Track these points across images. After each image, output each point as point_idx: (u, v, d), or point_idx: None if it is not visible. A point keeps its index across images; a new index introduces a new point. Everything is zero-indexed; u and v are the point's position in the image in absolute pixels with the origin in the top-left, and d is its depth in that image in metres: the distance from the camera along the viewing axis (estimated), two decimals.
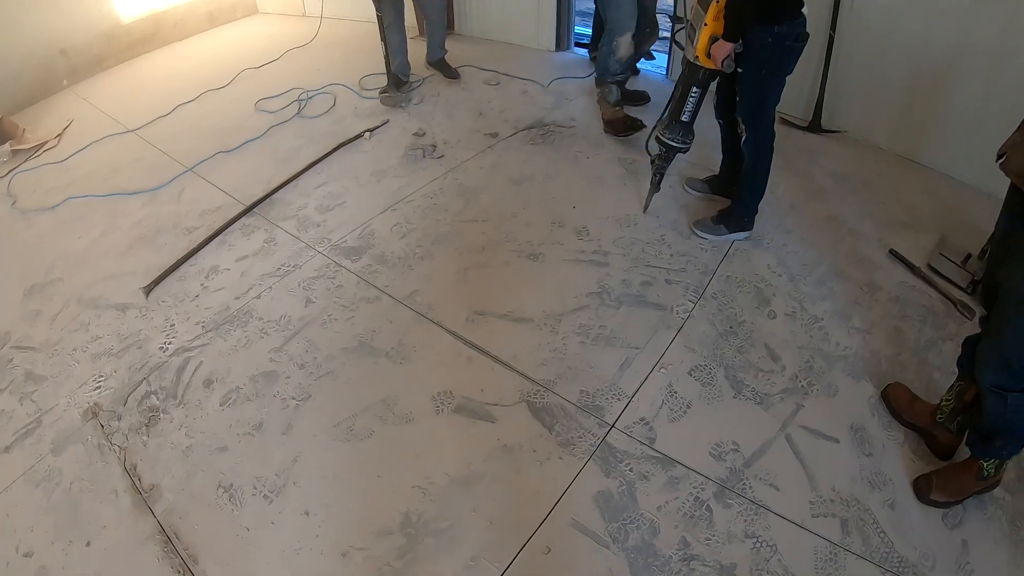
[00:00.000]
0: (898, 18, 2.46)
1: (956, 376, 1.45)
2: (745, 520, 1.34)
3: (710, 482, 1.41)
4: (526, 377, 1.63)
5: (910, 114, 2.59)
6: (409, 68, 3.17)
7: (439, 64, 3.38)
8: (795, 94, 2.89)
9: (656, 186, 2.22)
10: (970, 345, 1.40)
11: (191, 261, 2.17)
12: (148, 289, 2.05)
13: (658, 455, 1.46)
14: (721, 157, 2.30)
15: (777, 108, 1.98)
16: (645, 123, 2.68)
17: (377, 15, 2.97)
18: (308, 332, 1.83)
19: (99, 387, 1.73)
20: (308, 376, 1.69)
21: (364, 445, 1.50)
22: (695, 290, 1.91)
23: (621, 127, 2.75)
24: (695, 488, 1.40)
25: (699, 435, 1.51)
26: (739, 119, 1.99)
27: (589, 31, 3.69)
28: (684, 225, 2.19)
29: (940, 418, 1.46)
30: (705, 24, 1.79)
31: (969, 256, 2.02)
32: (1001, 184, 1.32)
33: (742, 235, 2.17)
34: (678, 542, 1.30)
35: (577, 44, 3.78)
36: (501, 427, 1.51)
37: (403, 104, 3.11)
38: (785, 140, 2.74)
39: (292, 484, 1.43)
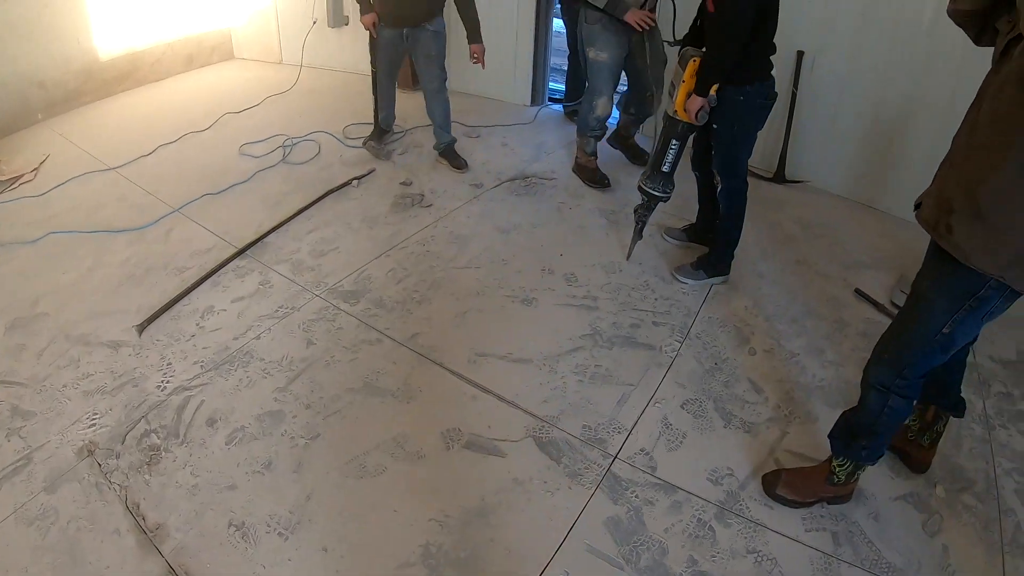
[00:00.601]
0: (855, 75, 2.89)
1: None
2: (745, 537, 1.51)
3: (710, 504, 1.59)
4: (530, 414, 1.80)
5: (867, 164, 3.00)
6: (394, 120, 3.38)
7: (447, 152, 3.26)
8: (760, 148, 3.24)
9: (639, 234, 2.47)
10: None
11: (184, 301, 2.26)
12: (141, 327, 2.11)
13: (660, 482, 1.63)
14: (698, 207, 2.60)
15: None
16: (611, 184, 3.05)
17: (372, 68, 3.19)
18: (312, 373, 1.95)
19: (94, 424, 1.77)
20: (316, 415, 1.80)
21: (378, 481, 1.61)
22: (680, 331, 2.14)
23: (588, 176, 3.11)
24: (697, 511, 1.57)
25: (696, 462, 1.69)
26: (715, 171, 2.28)
27: (563, 87, 4.09)
28: (666, 271, 2.45)
29: (911, 436, 1.70)
30: (683, 81, 2.07)
31: None
32: None
33: (719, 279, 2.43)
34: (686, 560, 1.46)
35: (551, 99, 4.16)
36: (511, 461, 1.65)
37: (384, 157, 3.31)
38: (753, 191, 3.05)
39: (308, 521, 1.52)
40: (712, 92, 2.04)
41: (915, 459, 1.71)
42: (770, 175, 3.20)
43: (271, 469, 1.65)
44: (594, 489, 1.60)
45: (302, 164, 3.26)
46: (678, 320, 2.18)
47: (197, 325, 2.14)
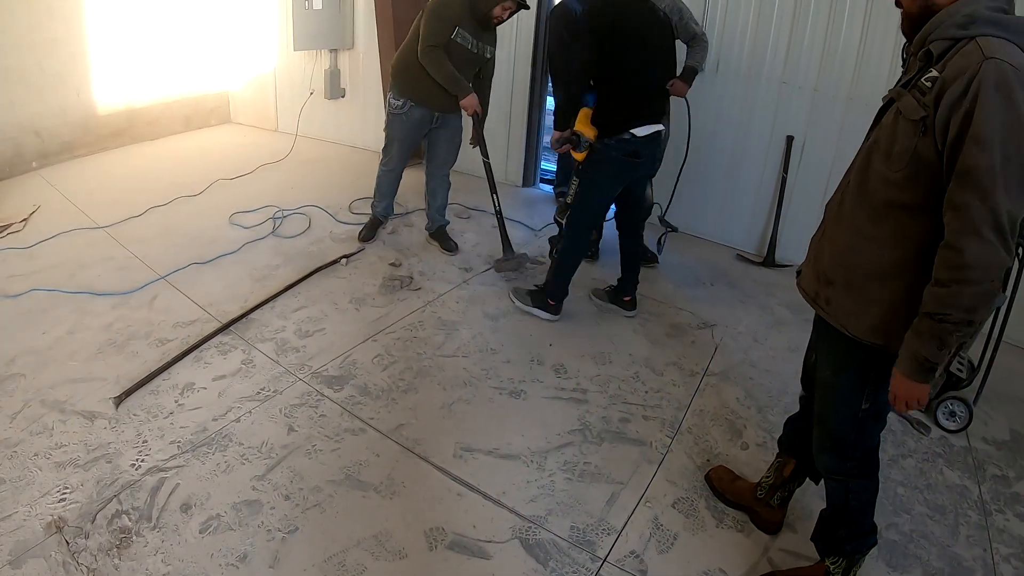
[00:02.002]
0: (842, 158, 3.17)
1: (776, 454, 1.86)
2: None
3: None
4: (516, 514, 1.89)
5: None
6: (393, 212, 3.59)
7: (439, 234, 3.47)
8: (750, 233, 3.58)
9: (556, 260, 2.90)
10: (791, 423, 1.83)
11: (164, 375, 2.37)
12: (119, 400, 2.21)
13: None
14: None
15: (735, 246, 2.53)
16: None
17: (382, 161, 3.35)
18: (292, 461, 2.04)
19: (64, 499, 1.83)
20: (295, 508, 1.88)
21: None
22: (671, 425, 2.28)
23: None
24: None
25: (688, 565, 1.78)
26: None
27: (554, 167, 4.42)
28: (657, 362, 2.61)
29: (760, 494, 1.85)
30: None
31: None
32: None
33: (544, 315, 2.84)
34: None
35: (542, 180, 4.49)
36: (496, 564, 1.74)
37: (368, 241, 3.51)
38: (743, 276, 3.36)
39: None
40: (590, 135, 2.52)
41: (764, 519, 1.86)
42: (760, 259, 3.46)
43: (246, 563, 1.71)
44: None
45: (292, 238, 3.48)
46: (669, 414, 2.33)
47: (176, 402, 2.25)
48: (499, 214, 3.31)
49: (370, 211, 3.56)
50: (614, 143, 2.50)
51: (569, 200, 2.81)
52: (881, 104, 1.37)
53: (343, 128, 4.93)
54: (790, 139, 3.31)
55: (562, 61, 2.55)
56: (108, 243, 3.29)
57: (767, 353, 2.72)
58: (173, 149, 4.67)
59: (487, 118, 3.33)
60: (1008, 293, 2.09)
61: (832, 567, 1.64)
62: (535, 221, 3.85)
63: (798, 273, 1.55)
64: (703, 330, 2.86)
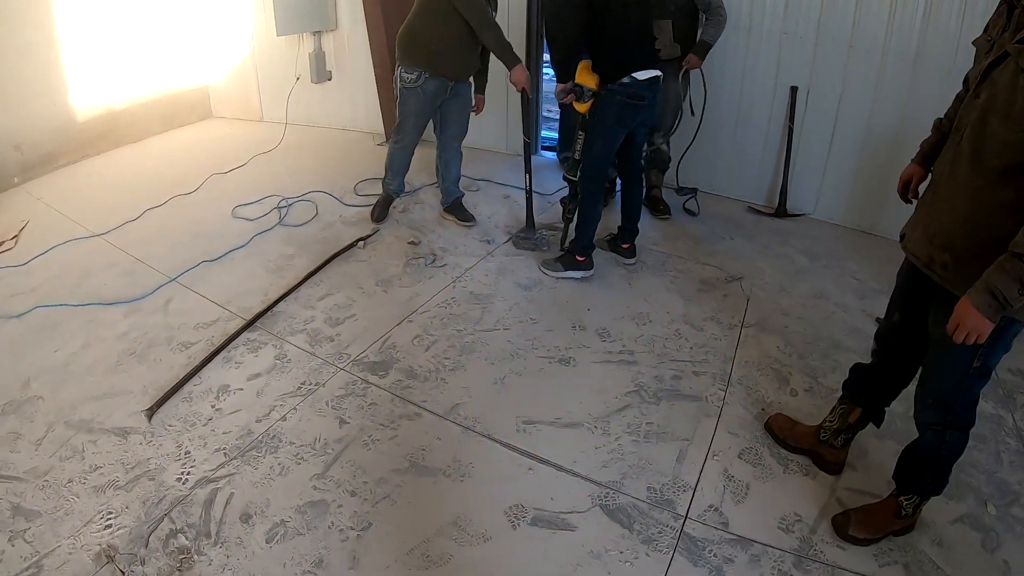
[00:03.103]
0: (846, 107, 3.11)
1: (840, 398, 1.82)
2: None
3: (787, 554, 1.62)
4: (592, 481, 1.81)
5: (863, 192, 3.20)
6: (404, 188, 3.40)
7: (455, 207, 3.29)
8: (759, 185, 3.48)
9: (569, 218, 2.85)
10: (858, 371, 1.78)
11: (195, 380, 2.20)
12: (151, 411, 2.04)
13: (735, 537, 1.66)
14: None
15: (746, 199, 2.44)
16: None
17: (395, 138, 3.15)
18: (351, 455, 1.92)
19: (110, 525, 1.68)
20: (363, 503, 1.76)
21: (444, 571, 1.59)
22: (721, 378, 2.21)
23: None
24: (775, 562, 1.60)
25: (765, 512, 1.73)
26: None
27: (556, 134, 4.26)
28: (695, 318, 2.53)
29: (824, 437, 1.82)
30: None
31: None
32: None
33: (578, 274, 2.76)
34: None
35: (544, 148, 4.32)
36: (582, 534, 1.66)
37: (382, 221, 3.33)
38: (758, 228, 3.28)
39: None
40: (591, 84, 2.47)
41: (828, 461, 1.83)
42: (771, 210, 3.37)
43: (324, 568, 1.59)
44: (672, 553, 1.61)
45: (301, 226, 3.28)
46: (716, 367, 2.25)
47: (213, 407, 2.09)
48: (529, 192, 3.14)
49: (378, 192, 3.37)
50: (617, 87, 2.47)
51: (577, 155, 2.71)
52: (987, 60, 1.24)
53: (332, 111, 4.68)
54: (794, 89, 3.19)
55: (557, 18, 2.49)
56: (108, 250, 3.05)
57: (796, 301, 2.65)
58: (158, 149, 4.36)
59: (487, 84, 3.16)
60: None
61: (905, 503, 1.61)
62: (546, 187, 3.69)
63: (902, 236, 1.45)
64: (732, 283, 2.77)
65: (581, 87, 2.50)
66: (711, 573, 1.57)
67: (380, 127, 4.37)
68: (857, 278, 2.80)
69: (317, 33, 4.40)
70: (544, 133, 4.37)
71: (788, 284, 2.77)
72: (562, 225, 2.96)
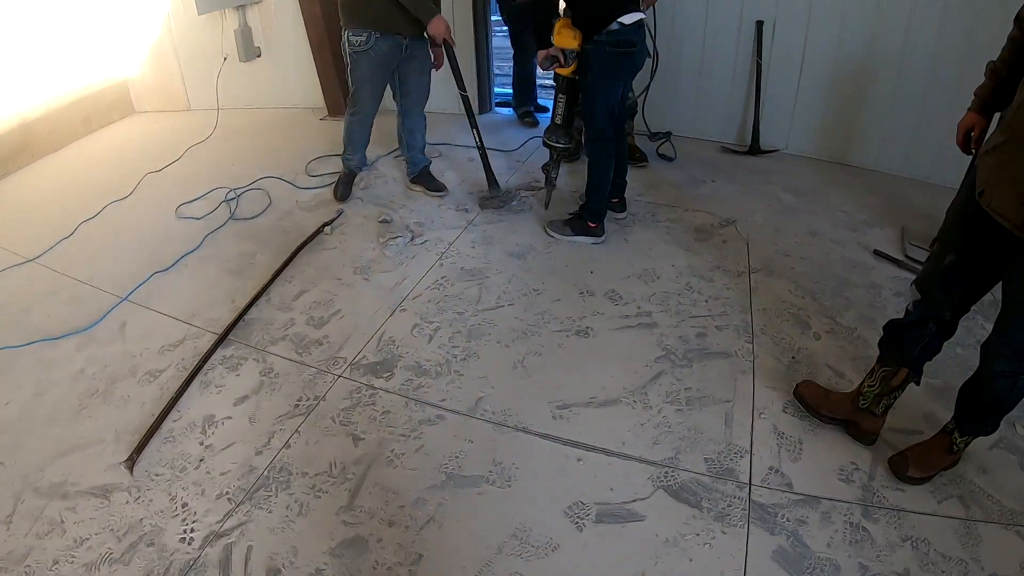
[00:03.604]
0: (813, 37, 2.98)
1: (877, 359, 1.65)
2: (895, 527, 1.50)
3: (854, 505, 1.55)
4: (647, 462, 1.66)
5: (833, 123, 3.12)
6: (367, 163, 3.03)
7: (423, 176, 2.98)
8: (729, 124, 3.34)
9: (551, 184, 2.65)
10: (896, 328, 1.61)
11: (173, 414, 1.84)
12: (131, 461, 1.68)
13: (801, 497, 1.57)
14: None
15: (717, 139, 2.30)
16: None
17: (351, 109, 2.77)
18: (376, 477, 1.66)
19: None
20: (406, 532, 1.52)
21: None
22: (744, 330, 2.08)
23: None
24: (845, 515, 1.52)
25: (823, 466, 1.64)
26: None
27: (509, 90, 3.93)
28: (701, 269, 2.39)
29: (863, 404, 1.67)
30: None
31: (934, 241, 2.44)
32: (921, 168, 2.16)
33: (589, 240, 2.54)
34: (858, 569, 1.41)
35: (498, 104, 3.99)
36: (654, 523, 1.51)
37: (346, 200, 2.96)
38: (736, 168, 3.15)
39: None
40: (573, 45, 2.23)
41: (865, 430, 1.69)
42: (745, 148, 3.25)
43: None
44: (747, 526, 1.50)
45: (256, 218, 2.86)
46: (736, 319, 2.13)
47: (202, 444, 1.76)
48: (481, 148, 2.86)
49: (332, 171, 3.00)
50: (604, 38, 2.18)
51: (559, 119, 2.47)
52: None
53: (265, 90, 4.13)
54: (760, 24, 3.02)
55: None
56: (45, 276, 2.52)
57: (792, 241, 2.56)
58: (82, 155, 3.67)
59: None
60: None
61: (959, 440, 1.57)
62: (510, 144, 3.40)
63: (980, 193, 1.30)
64: (727, 228, 2.64)
65: (563, 50, 2.24)
66: (789, 539, 1.47)
67: (320, 100, 3.92)
68: (843, 211, 2.74)
69: (241, 8, 3.80)
70: (497, 90, 4.03)
71: (781, 224, 2.67)
72: (544, 187, 2.71)
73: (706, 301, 2.21)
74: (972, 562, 1.43)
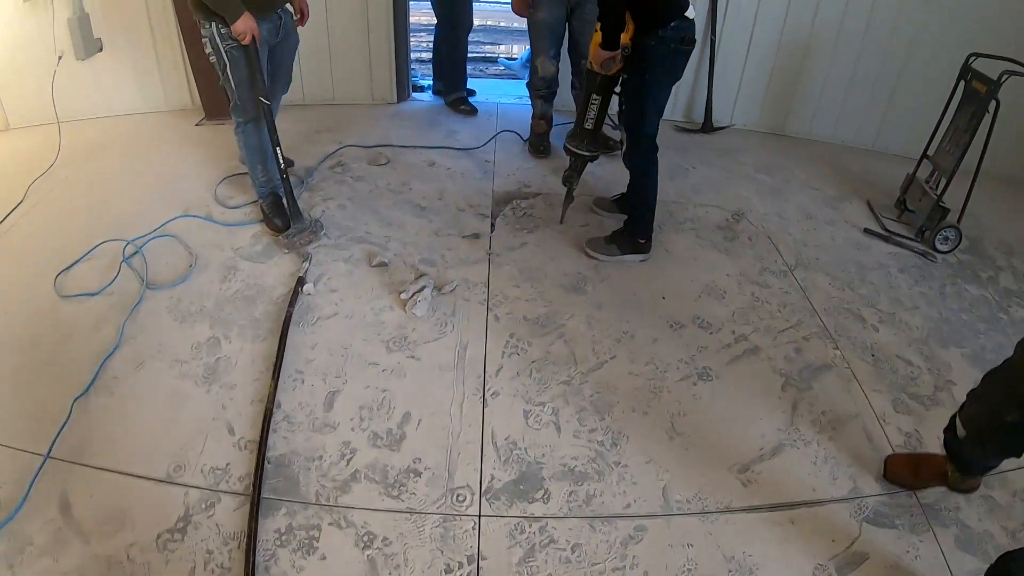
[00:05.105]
0: (763, 14, 3.25)
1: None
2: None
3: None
4: (840, 501, 1.77)
5: (774, 96, 3.51)
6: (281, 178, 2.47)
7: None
8: (678, 102, 3.51)
9: (570, 197, 2.52)
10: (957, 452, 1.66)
11: None
12: None
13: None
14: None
15: (668, 119, 2.55)
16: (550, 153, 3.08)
17: (237, 119, 2.28)
18: None
19: None
20: None
21: None
22: (823, 336, 2.28)
23: (532, 142, 3.09)
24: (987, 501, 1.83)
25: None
26: (622, 127, 2.34)
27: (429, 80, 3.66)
28: (752, 275, 2.53)
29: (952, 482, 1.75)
30: (596, 31, 2.12)
31: (902, 211, 2.99)
32: (848, 133, 2.93)
33: (638, 257, 2.48)
34: (1004, 533, 1.71)
35: (415, 89, 3.58)
36: (875, 559, 1.63)
37: (301, 245, 2.42)
38: (701, 148, 3.38)
39: None
40: (625, 41, 2.08)
41: (966, 488, 1.79)
42: (698, 127, 3.47)
43: None
44: (930, 529, 1.71)
45: (183, 283, 2.18)
46: (812, 324, 2.32)
47: None
48: (284, 171, 2.36)
49: (256, 191, 2.47)
50: (671, 33, 2.07)
51: (590, 124, 2.34)
52: None
53: (114, 92, 3.14)
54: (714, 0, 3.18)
55: None
56: None
57: (797, 227, 2.84)
58: None
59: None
60: None
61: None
62: (466, 142, 3.09)
63: None
64: (741, 222, 2.82)
65: (624, 47, 2.09)
66: (959, 527, 1.72)
67: (189, 100, 3.21)
68: (814, 187, 3.14)
69: None
70: (420, 80, 3.66)
71: (777, 209, 2.94)
72: (564, 198, 2.56)
73: (779, 312, 2.37)
74: None
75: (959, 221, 2.77)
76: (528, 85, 3.01)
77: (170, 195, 2.58)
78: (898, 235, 2.86)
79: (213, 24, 2.09)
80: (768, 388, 2.09)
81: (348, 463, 1.72)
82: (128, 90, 3.18)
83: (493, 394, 1.96)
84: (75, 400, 1.77)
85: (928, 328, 2.40)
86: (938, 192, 2.77)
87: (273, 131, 2.30)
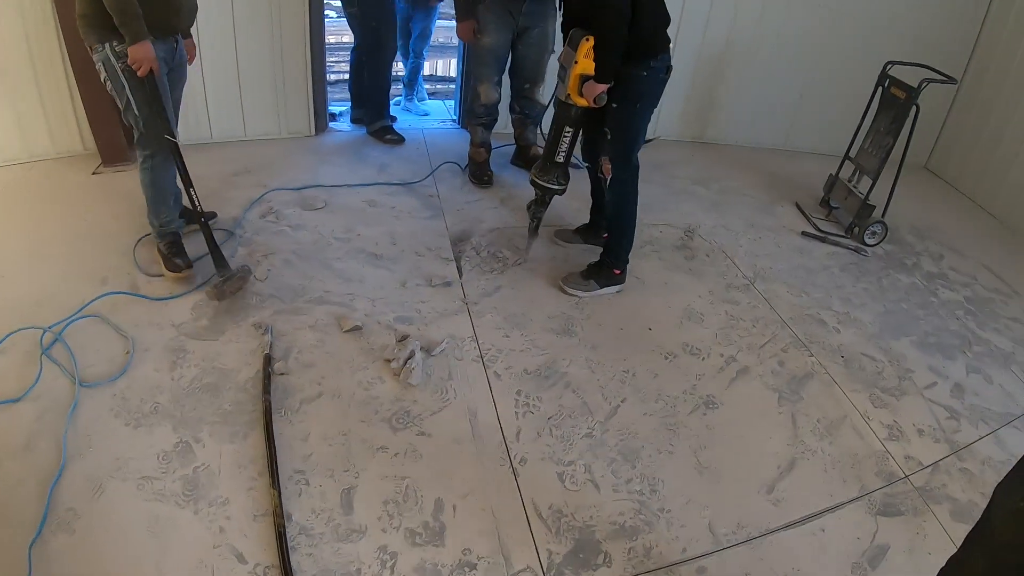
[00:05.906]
0: (683, 33, 3.49)
1: None
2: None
3: (950, 457, 2.23)
4: (853, 500, 1.95)
5: (694, 107, 3.78)
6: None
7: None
8: None
9: (534, 232, 2.55)
10: None
11: None
12: None
13: (931, 465, 2.11)
14: (591, 203, 2.79)
15: None
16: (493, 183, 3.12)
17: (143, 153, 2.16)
18: None
19: None
20: None
21: None
22: (799, 346, 2.48)
23: (473, 171, 3.12)
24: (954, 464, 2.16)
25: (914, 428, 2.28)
26: (605, 160, 2.38)
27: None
28: (719, 294, 2.69)
29: None
30: (576, 62, 2.15)
31: (829, 210, 3.35)
32: (757, 136, 3.30)
33: (614, 289, 2.55)
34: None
35: (331, 117, 3.42)
36: (895, 547, 1.82)
37: (231, 293, 2.25)
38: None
39: None
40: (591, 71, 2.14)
41: None
42: None
43: None
44: (928, 509, 1.95)
45: (123, 375, 1.93)
46: (785, 335, 2.51)
47: None
48: (201, 213, 2.22)
49: (154, 233, 2.34)
50: (659, 63, 2.21)
51: (561, 158, 2.37)
52: None
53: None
54: None
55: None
56: None
57: (745, 238, 3.07)
58: None
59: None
60: None
61: None
62: (402, 175, 2.99)
63: None
64: (694, 239, 2.99)
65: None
66: (949, 502, 1.97)
67: (80, 145, 2.85)
68: (746, 194, 3.41)
69: None
70: (332, 108, 3.42)
71: (722, 221, 3.15)
72: (528, 234, 2.58)
73: (754, 326, 2.54)
74: None
75: (883, 215, 3.16)
76: (468, 114, 2.97)
77: (80, 265, 2.23)
78: (832, 234, 3.20)
79: (107, 45, 1.98)
80: (767, 406, 2.25)
81: (392, 570, 1.60)
82: (6, 136, 2.73)
83: (521, 461, 1.92)
84: (31, 546, 1.48)
85: (879, 323, 2.70)
86: (864, 191, 3.14)
87: (184, 171, 2.14)
